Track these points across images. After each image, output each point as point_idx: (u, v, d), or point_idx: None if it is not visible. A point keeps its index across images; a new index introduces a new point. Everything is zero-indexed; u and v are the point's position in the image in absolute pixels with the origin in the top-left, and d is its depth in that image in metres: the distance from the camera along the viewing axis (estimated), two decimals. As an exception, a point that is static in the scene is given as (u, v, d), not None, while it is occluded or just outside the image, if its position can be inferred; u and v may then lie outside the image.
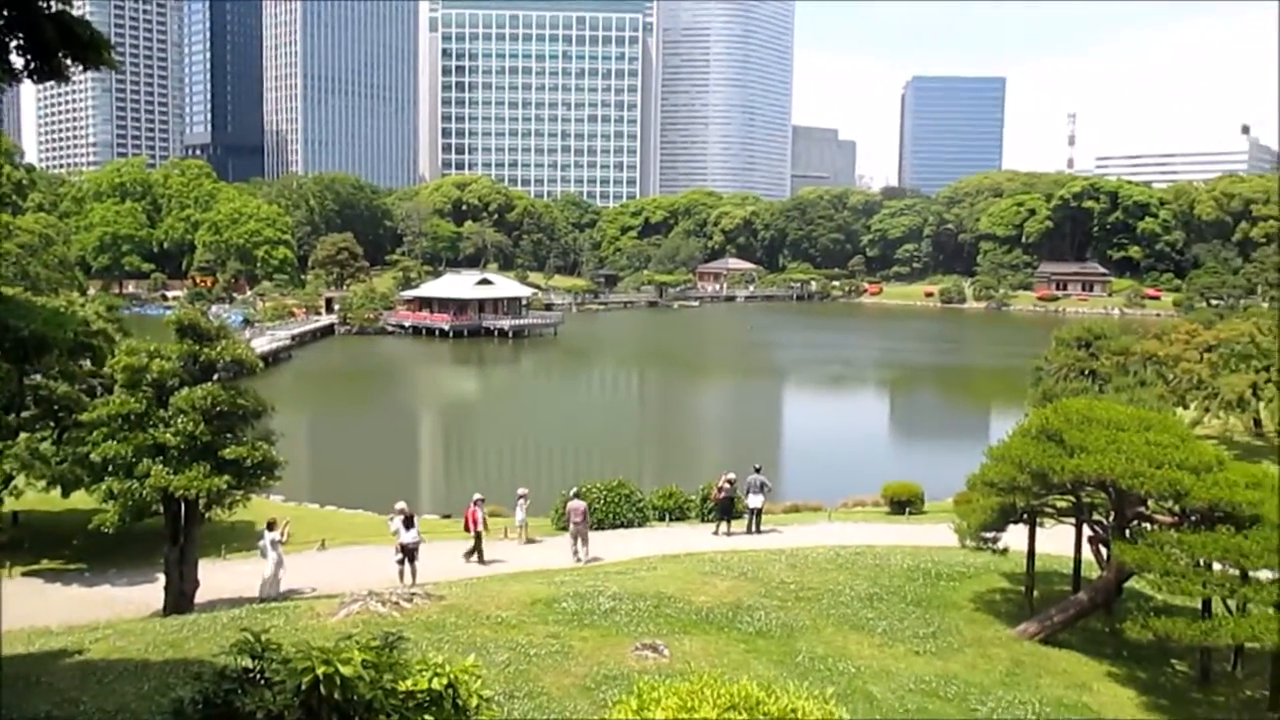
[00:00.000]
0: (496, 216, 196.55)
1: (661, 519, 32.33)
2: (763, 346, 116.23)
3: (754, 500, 30.54)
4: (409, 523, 24.71)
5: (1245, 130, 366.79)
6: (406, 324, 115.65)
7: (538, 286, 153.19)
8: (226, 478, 21.84)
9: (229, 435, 22.53)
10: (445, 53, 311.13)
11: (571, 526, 27.00)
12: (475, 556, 26.60)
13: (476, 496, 27.51)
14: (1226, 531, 18.29)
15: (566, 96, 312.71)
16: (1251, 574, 18.32)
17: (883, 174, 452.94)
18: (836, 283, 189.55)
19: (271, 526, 24.25)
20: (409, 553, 24.39)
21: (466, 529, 27.08)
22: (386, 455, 54.94)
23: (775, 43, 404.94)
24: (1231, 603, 18.78)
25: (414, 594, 20.59)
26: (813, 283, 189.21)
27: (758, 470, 31.10)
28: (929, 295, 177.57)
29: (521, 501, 29.29)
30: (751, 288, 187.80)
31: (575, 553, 26.64)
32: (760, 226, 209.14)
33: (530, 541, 29.16)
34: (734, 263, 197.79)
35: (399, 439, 61.88)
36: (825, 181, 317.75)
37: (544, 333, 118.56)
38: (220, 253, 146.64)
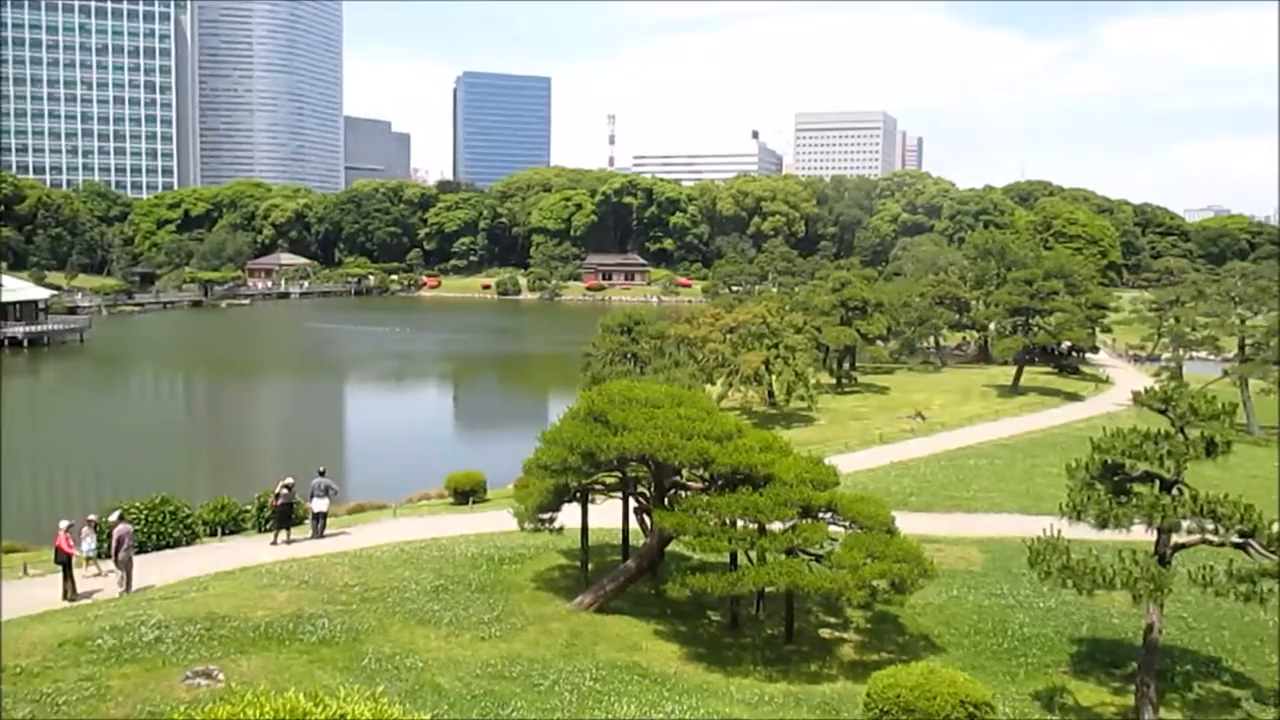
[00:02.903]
0: (3, 209, 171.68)
1: (214, 534, 30.21)
2: (325, 344, 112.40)
3: (319, 504, 29.46)
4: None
5: (755, 135, 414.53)
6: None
7: (58, 287, 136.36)
8: None
9: None
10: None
11: (117, 552, 24.38)
12: (70, 589, 23.28)
13: (64, 524, 24.05)
14: (746, 491, 20.71)
15: (86, 75, 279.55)
16: (768, 526, 20.90)
17: (438, 168, 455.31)
18: (395, 277, 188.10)
19: None
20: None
21: (58, 562, 23.59)
22: None
23: (323, 28, 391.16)
24: (753, 554, 21.31)
25: (-97, 653, 17.54)
26: (371, 277, 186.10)
27: (321, 473, 30.05)
28: (486, 287, 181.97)
29: (88, 530, 25.95)
30: (306, 283, 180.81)
31: (120, 581, 24.13)
32: (314, 220, 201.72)
33: (99, 574, 25.92)
34: (287, 258, 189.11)
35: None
36: (380, 174, 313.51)
37: (68, 340, 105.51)
38: None
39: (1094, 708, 18.47)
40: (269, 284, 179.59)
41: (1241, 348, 54.80)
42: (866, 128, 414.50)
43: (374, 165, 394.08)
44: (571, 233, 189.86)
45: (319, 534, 29.26)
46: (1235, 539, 17.38)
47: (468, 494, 34.96)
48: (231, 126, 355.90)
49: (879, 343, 72.06)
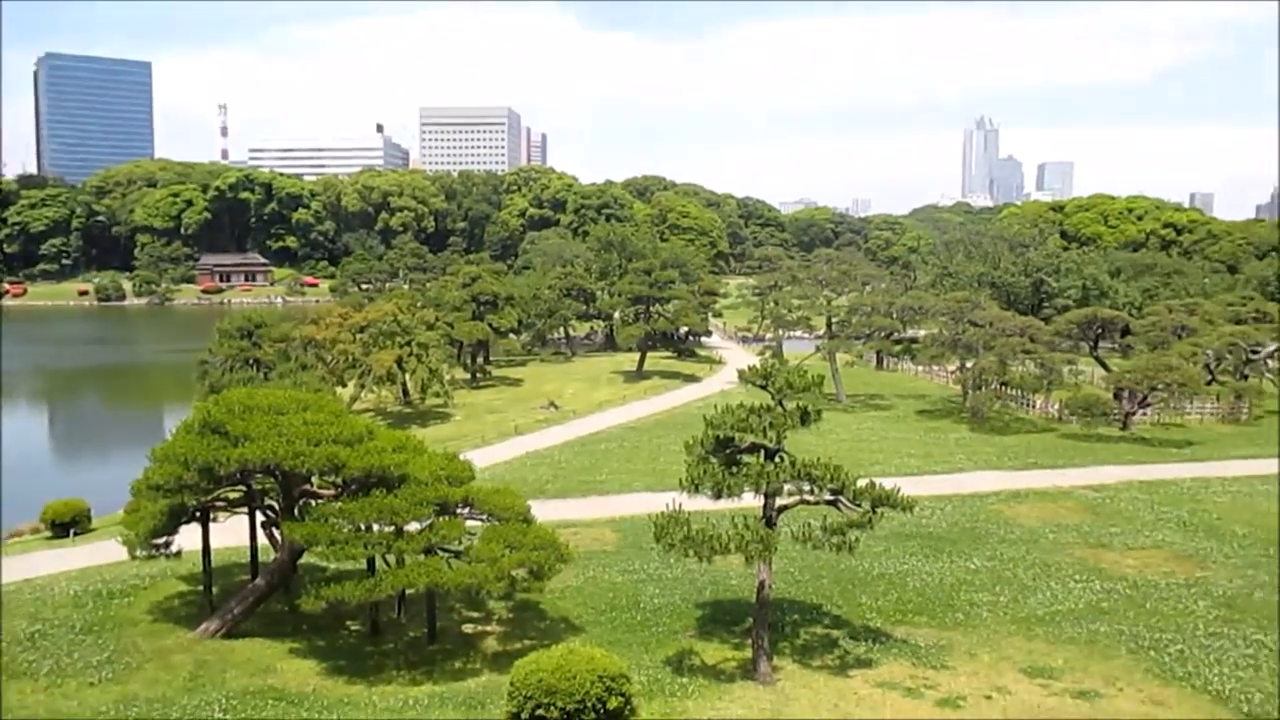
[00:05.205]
0: None
1: None
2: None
3: None
4: None
5: (380, 129, 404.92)
6: None
7: None
8: None
9: None
10: None
11: None
12: None
13: None
14: (380, 494, 20.26)
15: None
16: (405, 528, 20.56)
17: (18, 160, 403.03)
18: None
19: None
20: None
21: None
22: None
23: None
24: (390, 557, 20.89)
25: None
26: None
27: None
28: (83, 293, 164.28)
29: None
30: None
31: None
32: None
33: None
34: None
35: None
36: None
37: None
38: None
39: (718, 664, 19.95)
40: None
41: (829, 325, 61.45)
42: (492, 123, 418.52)
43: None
44: (183, 231, 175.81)
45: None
46: (828, 497, 19.49)
47: (68, 525, 31.46)
48: None
49: (511, 335, 73.24)
